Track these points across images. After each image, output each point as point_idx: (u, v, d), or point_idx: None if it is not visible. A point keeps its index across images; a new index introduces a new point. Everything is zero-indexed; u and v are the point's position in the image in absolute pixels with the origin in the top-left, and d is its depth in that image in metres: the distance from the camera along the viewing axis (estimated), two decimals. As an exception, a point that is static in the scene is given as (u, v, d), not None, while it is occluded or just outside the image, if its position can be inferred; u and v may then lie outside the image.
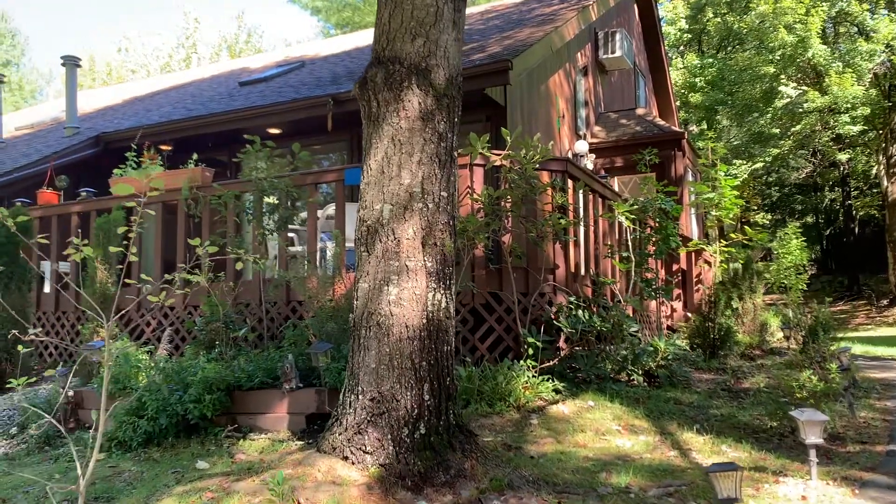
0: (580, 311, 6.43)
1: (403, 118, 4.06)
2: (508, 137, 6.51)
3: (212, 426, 5.33)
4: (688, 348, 8.17)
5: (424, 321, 4.00)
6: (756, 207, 25.84)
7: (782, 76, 19.29)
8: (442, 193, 4.13)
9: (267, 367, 5.52)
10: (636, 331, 6.75)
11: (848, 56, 18.31)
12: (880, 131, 21.10)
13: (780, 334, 10.18)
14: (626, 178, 13.53)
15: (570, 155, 12.32)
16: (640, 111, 13.83)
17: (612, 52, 13.91)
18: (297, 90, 11.09)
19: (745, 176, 21.05)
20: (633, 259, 7.33)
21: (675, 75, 24.70)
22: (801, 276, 11.94)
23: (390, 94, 4.07)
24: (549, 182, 6.91)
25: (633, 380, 6.40)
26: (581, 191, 7.35)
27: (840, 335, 8.07)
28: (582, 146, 12.45)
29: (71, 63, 12.59)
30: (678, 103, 25.11)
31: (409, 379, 3.94)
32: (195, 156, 8.54)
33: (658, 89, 18.93)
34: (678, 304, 10.88)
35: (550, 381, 5.99)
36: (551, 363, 6.19)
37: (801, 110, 18.82)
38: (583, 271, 7.54)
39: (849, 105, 18.15)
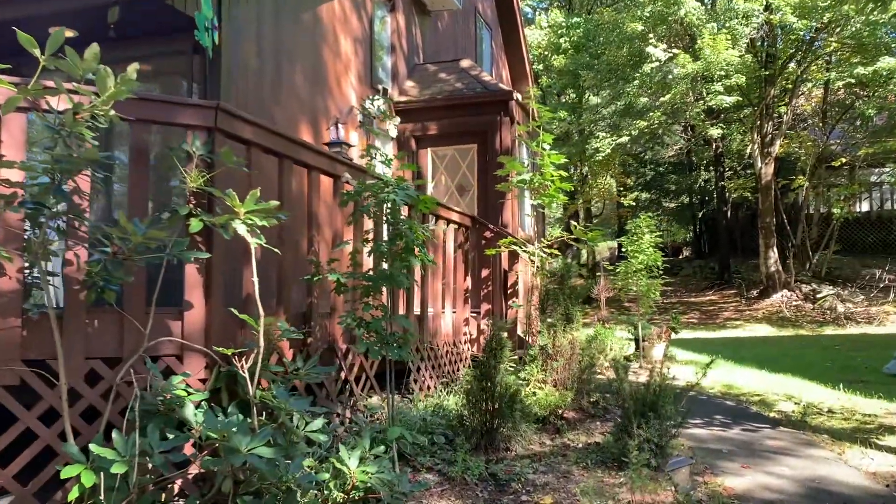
0: (193, 407, 3.23)
1: None
2: (35, 54, 3.13)
3: None
4: (457, 419, 5.17)
5: None
6: (623, 188, 23.59)
7: (651, 35, 16.71)
8: None
9: None
10: (319, 429, 3.63)
11: (724, 17, 15.92)
12: (755, 107, 19.08)
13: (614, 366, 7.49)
14: (445, 150, 10.46)
15: (359, 116, 9.04)
16: (464, 63, 10.72)
17: (433, -15, 10.74)
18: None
19: (609, 151, 18.48)
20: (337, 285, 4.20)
21: (539, 35, 21.87)
22: (654, 282, 9.26)
23: None
24: (181, 147, 3.71)
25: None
26: (279, 167, 4.13)
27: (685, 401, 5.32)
28: (376, 104, 9.23)
29: None
30: (541, 67, 22.35)
31: None
32: None
33: (509, 47, 15.94)
34: (486, 323, 7.94)
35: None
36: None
37: (671, 77, 16.33)
38: (274, 306, 4.35)
39: (722, 73, 15.81)
